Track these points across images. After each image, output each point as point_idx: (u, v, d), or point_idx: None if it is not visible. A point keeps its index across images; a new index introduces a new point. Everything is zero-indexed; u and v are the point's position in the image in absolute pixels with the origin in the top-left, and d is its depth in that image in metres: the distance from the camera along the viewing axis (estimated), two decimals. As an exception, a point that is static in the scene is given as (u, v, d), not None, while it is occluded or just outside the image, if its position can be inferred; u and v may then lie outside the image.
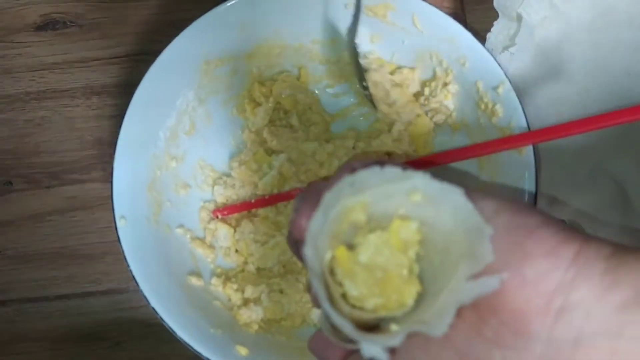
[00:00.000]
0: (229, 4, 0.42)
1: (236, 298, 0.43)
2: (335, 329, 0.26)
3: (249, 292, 0.43)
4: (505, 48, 0.43)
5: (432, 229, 0.27)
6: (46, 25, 0.50)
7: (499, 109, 0.42)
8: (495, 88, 0.41)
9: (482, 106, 0.43)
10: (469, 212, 0.25)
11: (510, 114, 0.41)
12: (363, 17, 0.42)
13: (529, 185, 0.40)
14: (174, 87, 0.43)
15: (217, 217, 0.45)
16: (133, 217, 0.40)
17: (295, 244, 0.29)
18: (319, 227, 0.26)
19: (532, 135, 0.40)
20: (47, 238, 0.48)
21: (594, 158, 0.40)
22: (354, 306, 0.26)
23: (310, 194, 0.28)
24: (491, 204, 0.25)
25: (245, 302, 0.43)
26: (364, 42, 0.45)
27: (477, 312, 0.24)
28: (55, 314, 0.47)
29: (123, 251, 0.39)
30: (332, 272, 0.27)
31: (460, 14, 0.47)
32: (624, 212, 0.38)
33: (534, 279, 0.23)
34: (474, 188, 0.28)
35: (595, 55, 0.41)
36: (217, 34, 0.42)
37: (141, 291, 0.38)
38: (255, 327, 0.42)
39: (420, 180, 0.26)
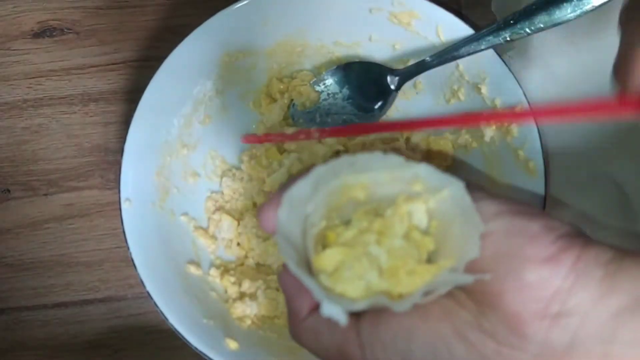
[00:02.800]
0: None
1: (232, 291, 0.43)
2: None
3: (246, 286, 0.43)
4: (504, 52, 0.43)
5: (431, 218, 0.27)
6: (43, 33, 0.50)
7: (514, 129, 0.42)
8: (512, 107, 0.41)
9: (498, 124, 0.42)
10: (466, 206, 0.26)
11: (526, 135, 0.41)
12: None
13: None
14: (193, 74, 0.43)
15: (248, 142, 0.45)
16: (138, 200, 0.40)
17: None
18: (304, 195, 0.26)
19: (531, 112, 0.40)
20: (45, 246, 0.48)
21: (595, 161, 0.40)
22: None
23: None
24: (494, 205, 0.26)
25: (241, 296, 0.43)
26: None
27: (477, 306, 0.25)
28: (54, 322, 0.47)
29: (124, 232, 0.39)
30: (320, 241, 0.27)
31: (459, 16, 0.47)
32: (624, 215, 0.38)
33: (533, 285, 0.23)
34: (484, 185, 0.28)
35: (593, 58, 0.41)
36: (240, 26, 0.43)
37: (138, 274, 0.38)
38: (248, 322, 0.42)
39: (423, 169, 0.27)
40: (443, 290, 0.25)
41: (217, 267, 0.44)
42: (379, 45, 0.45)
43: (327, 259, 0.26)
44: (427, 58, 0.42)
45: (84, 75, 0.50)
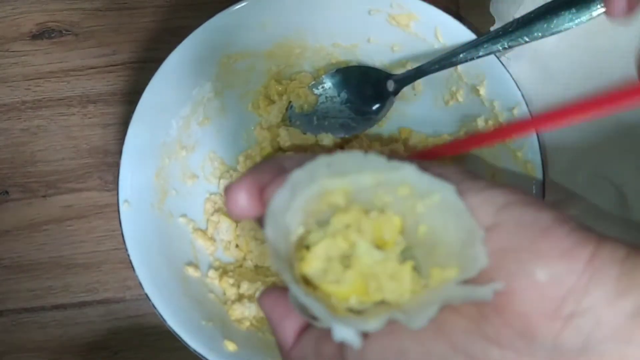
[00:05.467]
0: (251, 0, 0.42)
1: (231, 292, 0.43)
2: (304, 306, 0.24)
3: (245, 287, 0.43)
4: (502, 53, 0.43)
5: (418, 224, 0.25)
6: (42, 34, 0.50)
7: None
8: (511, 109, 0.41)
9: (497, 126, 0.42)
10: (460, 211, 0.23)
11: (524, 137, 0.41)
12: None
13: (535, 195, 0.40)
14: (192, 76, 0.43)
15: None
16: (137, 201, 0.40)
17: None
18: (283, 205, 0.24)
19: (533, 122, 0.40)
20: (43, 247, 0.48)
21: (593, 162, 0.40)
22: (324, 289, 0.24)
23: (271, 166, 0.26)
24: (500, 195, 0.23)
25: (240, 298, 0.43)
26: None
27: (478, 309, 0.22)
28: (52, 324, 0.47)
29: (123, 234, 0.39)
30: (302, 246, 0.25)
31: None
32: (623, 217, 0.38)
33: (546, 282, 0.22)
34: (484, 172, 0.26)
35: (592, 60, 0.41)
36: (239, 28, 0.43)
37: (137, 276, 0.38)
38: (247, 323, 0.42)
39: (409, 172, 0.24)
40: (456, 302, 0.23)
41: (216, 268, 0.44)
42: (378, 47, 0.45)
43: (313, 261, 0.24)
44: (426, 64, 0.42)
45: (82, 77, 0.50)
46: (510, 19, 0.42)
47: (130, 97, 0.49)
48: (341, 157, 0.25)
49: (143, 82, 0.41)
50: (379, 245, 0.25)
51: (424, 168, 0.25)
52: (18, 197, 0.48)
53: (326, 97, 0.46)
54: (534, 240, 0.22)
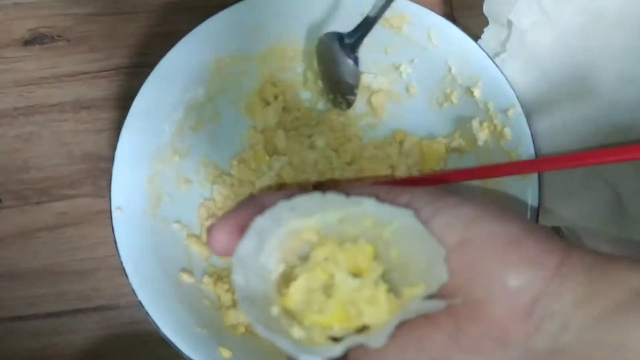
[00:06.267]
0: (243, 3, 0.42)
1: (226, 298, 0.42)
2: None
3: None
4: (496, 54, 0.43)
5: (389, 249, 0.26)
6: (34, 40, 0.50)
7: (507, 132, 0.42)
8: (505, 111, 0.41)
9: (491, 128, 0.42)
10: (421, 233, 0.25)
11: (519, 138, 0.41)
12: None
13: (532, 199, 0.40)
14: (184, 80, 0.43)
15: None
16: (130, 208, 0.40)
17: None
18: (253, 250, 0.26)
19: (543, 162, 0.40)
20: (37, 255, 0.47)
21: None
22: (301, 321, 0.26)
23: (250, 206, 0.28)
24: (470, 211, 0.25)
25: (235, 304, 0.42)
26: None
27: (455, 321, 0.24)
28: (47, 331, 0.46)
29: (115, 241, 0.39)
30: (287, 282, 0.26)
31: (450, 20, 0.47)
32: (619, 219, 0.38)
33: (516, 290, 0.23)
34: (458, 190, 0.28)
35: (586, 59, 0.41)
36: (231, 32, 0.43)
37: (129, 283, 0.38)
38: (242, 329, 0.42)
39: (369, 205, 0.26)
40: (410, 316, 0.25)
41: (211, 274, 0.43)
42: (371, 49, 0.45)
43: (294, 294, 0.26)
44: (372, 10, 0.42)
45: (75, 83, 0.49)
46: (504, 20, 0.42)
47: (124, 103, 0.49)
48: (302, 200, 0.27)
49: (136, 87, 0.41)
50: (357, 273, 0.26)
51: (397, 193, 0.27)
52: (11, 205, 0.48)
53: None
54: (504, 251, 0.23)
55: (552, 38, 0.41)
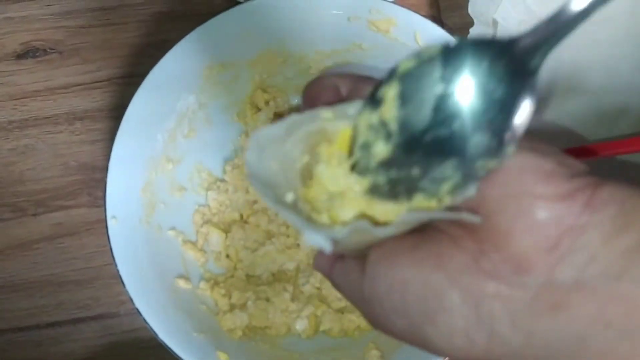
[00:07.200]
0: (232, 10, 0.42)
1: (223, 303, 0.43)
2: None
3: (236, 297, 0.43)
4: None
5: None
6: (26, 54, 0.50)
7: None
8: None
9: None
10: None
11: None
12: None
13: None
14: (176, 88, 0.43)
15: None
16: (125, 217, 0.40)
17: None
18: (273, 135, 0.25)
19: None
20: (35, 266, 0.48)
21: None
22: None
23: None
24: None
25: (231, 308, 0.43)
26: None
27: (479, 246, 0.24)
28: (47, 341, 0.47)
29: (112, 250, 0.39)
30: (305, 175, 0.26)
31: (437, 21, 0.47)
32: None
33: (544, 222, 0.22)
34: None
35: (573, 56, 0.42)
36: (221, 39, 0.43)
37: (127, 291, 0.38)
38: (239, 333, 0.42)
39: None
40: (428, 220, 0.24)
41: (207, 280, 0.44)
42: (359, 53, 0.45)
43: (316, 188, 0.26)
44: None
45: (68, 95, 0.50)
46: (490, 20, 0.42)
47: (117, 113, 0.49)
48: (345, 105, 0.26)
49: (129, 97, 0.41)
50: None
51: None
52: (8, 217, 0.48)
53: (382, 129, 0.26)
54: (535, 184, 0.23)
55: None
